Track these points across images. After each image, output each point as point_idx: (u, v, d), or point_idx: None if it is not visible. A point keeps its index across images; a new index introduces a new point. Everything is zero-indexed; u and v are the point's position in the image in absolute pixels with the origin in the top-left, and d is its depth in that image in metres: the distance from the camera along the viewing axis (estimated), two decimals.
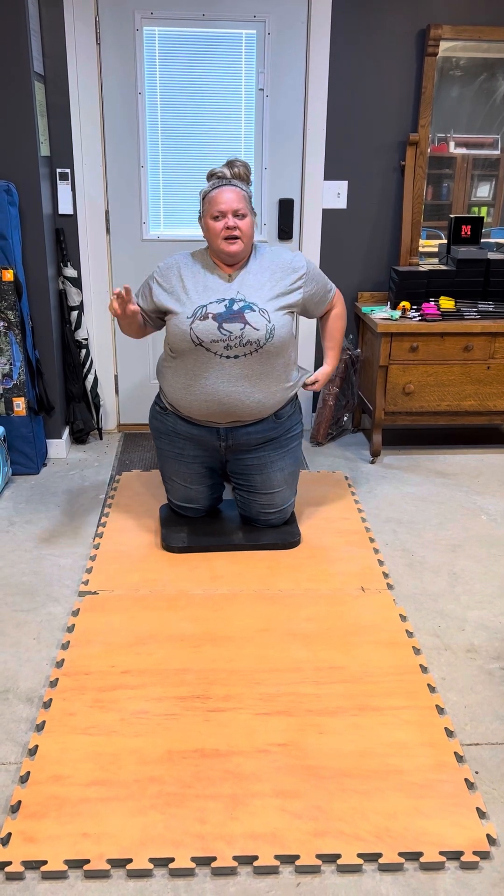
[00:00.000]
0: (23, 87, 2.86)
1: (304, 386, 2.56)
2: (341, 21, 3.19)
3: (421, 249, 3.53)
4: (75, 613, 2.20)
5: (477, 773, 1.66)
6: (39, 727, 1.76)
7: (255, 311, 2.35)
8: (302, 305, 2.50)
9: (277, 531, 2.61)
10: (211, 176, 2.42)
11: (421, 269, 3.34)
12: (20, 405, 3.10)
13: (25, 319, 3.03)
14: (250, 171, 2.44)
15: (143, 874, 1.41)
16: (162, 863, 1.42)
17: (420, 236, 3.50)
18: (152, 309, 2.47)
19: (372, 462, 3.36)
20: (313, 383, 2.58)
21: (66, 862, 1.42)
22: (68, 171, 3.29)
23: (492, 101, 3.32)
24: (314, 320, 3.58)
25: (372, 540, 2.64)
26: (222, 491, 2.73)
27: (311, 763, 1.65)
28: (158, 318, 2.50)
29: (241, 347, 2.34)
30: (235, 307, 2.34)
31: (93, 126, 3.24)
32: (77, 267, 3.43)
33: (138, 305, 2.47)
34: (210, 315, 2.33)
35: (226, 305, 2.34)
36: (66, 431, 3.50)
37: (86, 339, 3.46)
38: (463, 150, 3.39)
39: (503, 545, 2.63)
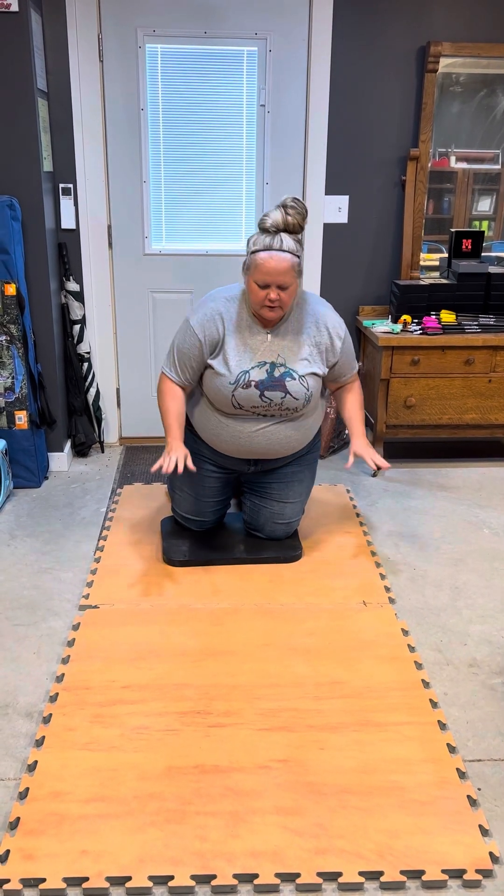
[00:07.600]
0: (26, 104, 2.88)
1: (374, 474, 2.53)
2: (342, 38, 3.22)
3: (422, 263, 3.54)
4: (76, 628, 2.19)
5: (479, 789, 1.64)
6: (39, 742, 1.75)
7: (294, 378, 2.33)
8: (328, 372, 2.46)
9: (279, 545, 2.61)
10: (262, 228, 2.19)
11: (422, 282, 3.35)
12: (22, 418, 3.11)
13: (28, 333, 3.04)
14: (306, 215, 2.20)
15: (142, 892, 1.40)
16: (161, 881, 1.41)
17: (421, 250, 3.51)
18: (199, 369, 2.39)
19: (374, 475, 3.35)
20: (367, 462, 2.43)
21: (65, 880, 1.41)
22: (71, 186, 3.31)
23: (492, 116, 3.35)
24: None
25: (374, 554, 2.63)
26: (229, 507, 2.72)
27: (312, 779, 1.64)
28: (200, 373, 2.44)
29: (280, 412, 2.36)
30: (276, 373, 2.32)
31: (95, 142, 3.27)
32: (79, 281, 3.44)
33: (183, 370, 2.39)
34: (252, 383, 2.31)
35: (267, 371, 2.32)
36: (68, 445, 3.51)
37: (88, 353, 3.47)
38: (464, 165, 3.41)
39: None
